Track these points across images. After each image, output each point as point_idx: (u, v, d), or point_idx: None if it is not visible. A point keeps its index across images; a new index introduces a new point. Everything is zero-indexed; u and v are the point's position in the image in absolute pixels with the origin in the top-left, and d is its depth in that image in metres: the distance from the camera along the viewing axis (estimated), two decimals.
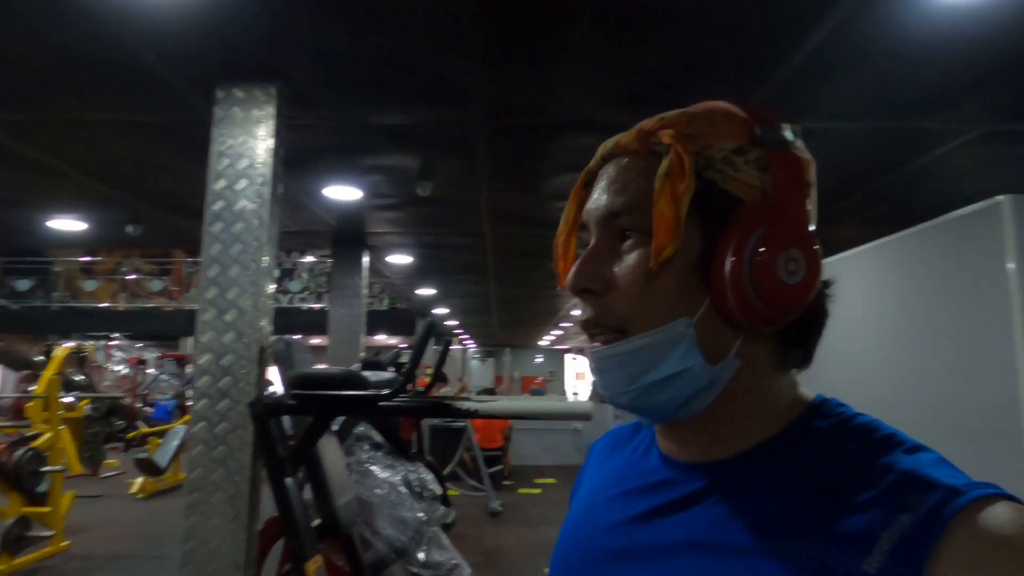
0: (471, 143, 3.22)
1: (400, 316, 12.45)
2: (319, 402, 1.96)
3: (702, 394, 0.51)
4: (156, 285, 14.92)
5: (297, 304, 14.04)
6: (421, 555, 3.13)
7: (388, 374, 2.74)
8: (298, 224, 4.90)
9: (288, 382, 2.01)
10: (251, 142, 2.41)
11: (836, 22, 2.14)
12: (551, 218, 4.70)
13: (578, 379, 20.91)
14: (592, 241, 0.54)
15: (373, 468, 3.17)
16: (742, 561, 0.46)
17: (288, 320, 13.75)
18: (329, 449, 2.28)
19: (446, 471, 8.02)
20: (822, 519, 0.45)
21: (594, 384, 0.62)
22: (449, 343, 2.80)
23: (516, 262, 6.52)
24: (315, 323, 13.39)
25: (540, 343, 19.26)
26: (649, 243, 0.50)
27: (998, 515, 0.41)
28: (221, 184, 2.39)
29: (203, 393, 2.29)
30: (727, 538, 0.48)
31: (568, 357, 21.30)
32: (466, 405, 1.95)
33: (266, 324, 2.39)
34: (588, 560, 0.57)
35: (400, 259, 6.30)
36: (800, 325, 0.52)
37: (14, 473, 4.91)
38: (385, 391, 1.91)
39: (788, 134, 0.53)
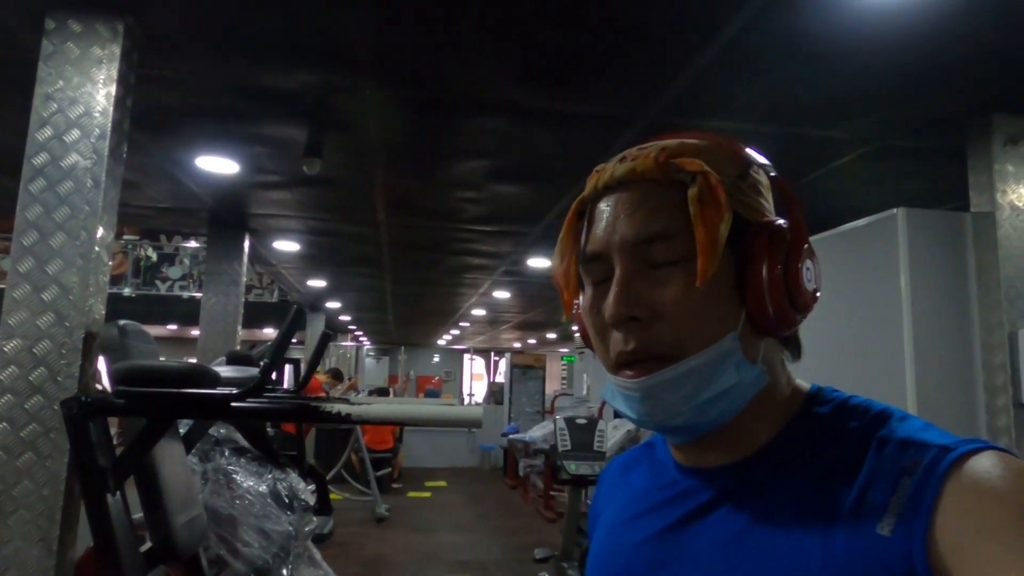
0: (363, 116, 2.91)
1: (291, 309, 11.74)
2: (153, 402, 1.61)
3: (745, 401, 0.54)
4: (8, 264, 13.32)
5: (177, 292, 12.98)
6: (285, 572, 2.79)
7: (254, 370, 2.39)
8: (168, 199, 4.36)
9: (115, 376, 1.64)
10: (88, 87, 2.00)
11: (749, 17, 2.04)
12: (450, 210, 4.44)
13: (475, 380, 20.73)
14: (619, 270, 0.54)
15: (235, 476, 2.79)
16: (777, 552, 0.49)
17: (166, 309, 12.67)
18: (169, 456, 1.91)
19: (330, 475, 7.56)
20: (838, 497, 0.49)
21: (616, 409, 0.59)
22: (328, 336, 2.49)
23: (413, 256, 6.21)
24: (195, 313, 12.48)
25: (438, 342, 18.90)
26: (689, 268, 0.52)
27: (982, 464, 0.45)
28: (46, 133, 1.96)
29: (7, 387, 1.86)
30: (758, 534, 0.51)
31: (466, 357, 21.08)
32: (336, 408, 1.67)
33: (97, 306, 1.99)
34: None
35: (287, 246, 5.82)
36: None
37: None
38: (238, 390, 1.59)
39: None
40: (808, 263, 0.55)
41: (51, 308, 1.90)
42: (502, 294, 8.52)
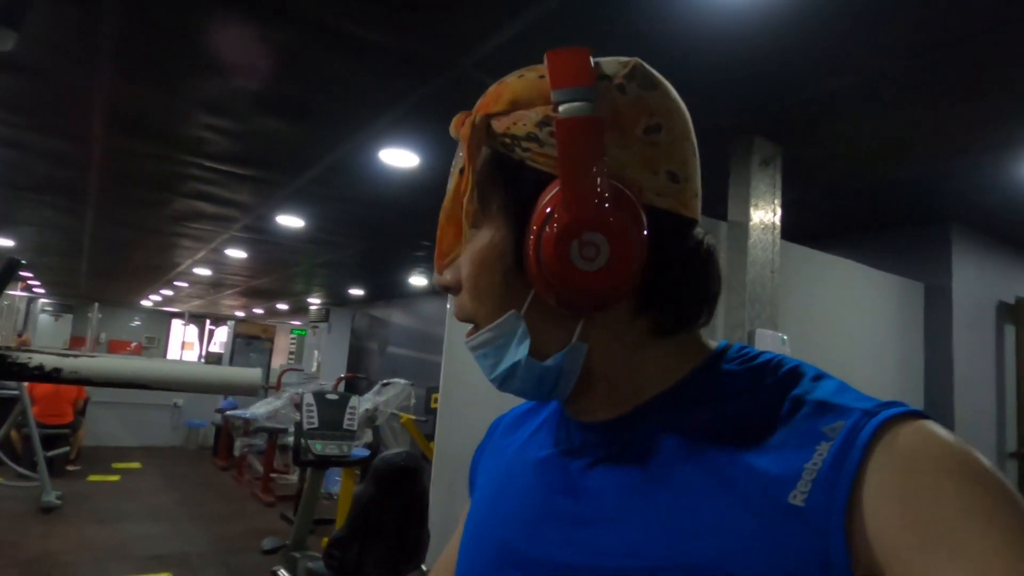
0: None
1: None
2: None
3: (557, 380, 0.50)
4: None
5: None
6: None
7: None
8: None
9: None
10: None
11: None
12: (194, 139, 3.69)
13: (185, 349, 18.42)
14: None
15: None
16: (672, 515, 0.45)
17: None
18: None
19: None
20: (742, 459, 0.44)
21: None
22: (16, 263, 1.80)
23: (132, 193, 5.11)
24: None
25: (142, 303, 16.30)
26: (479, 235, 0.50)
27: (911, 436, 0.41)
28: None
29: None
30: (652, 494, 0.46)
31: (176, 323, 18.60)
32: (37, 360, 1.13)
33: None
34: (513, 531, 0.54)
35: None
36: (658, 294, 0.50)
37: None
38: None
39: (603, 80, 0.48)
40: (588, 236, 0.45)
41: None
42: (236, 253, 7.56)
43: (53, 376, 1.14)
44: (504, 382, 0.50)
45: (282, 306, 14.42)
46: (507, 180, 0.49)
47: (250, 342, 10.86)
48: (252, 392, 1.27)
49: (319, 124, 3.33)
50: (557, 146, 0.46)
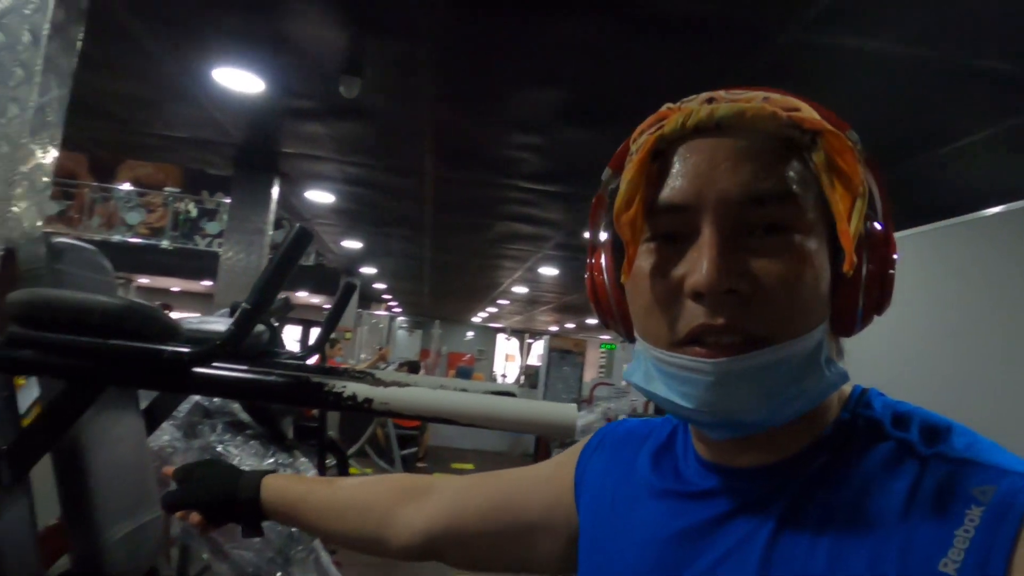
0: (413, 12, 2.27)
1: (327, 274, 11.23)
2: (68, 355, 1.03)
3: (820, 402, 0.47)
4: (51, 207, 13.20)
5: (215, 249, 12.76)
6: None
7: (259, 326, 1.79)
8: (186, 126, 3.80)
9: (9, 311, 1.06)
10: None
11: None
12: (507, 160, 3.79)
13: (508, 361, 20.22)
14: (712, 230, 0.45)
15: (227, 455, 2.24)
16: (814, 571, 0.43)
17: (202, 264, 12.42)
18: (113, 437, 1.33)
19: (351, 451, 7.08)
20: (888, 519, 0.42)
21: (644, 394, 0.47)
22: (351, 287, 1.89)
23: (457, 219, 5.58)
24: (149, 264, 12.18)
25: (473, 319, 18.33)
26: (799, 241, 0.45)
27: None
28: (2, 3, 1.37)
29: None
30: (791, 553, 0.44)
31: (500, 337, 20.56)
32: (350, 390, 1.06)
33: (28, 214, 1.40)
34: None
35: (321, 197, 5.25)
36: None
37: None
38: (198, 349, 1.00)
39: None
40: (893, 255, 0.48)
41: None
42: (549, 271, 7.87)
43: (364, 407, 1.05)
44: (781, 404, 0.45)
45: (591, 321, 14.83)
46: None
47: (564, 356, 11.27)
48: (566, 435, 1.05)
49: (625, 128, 3.12)
50: (875, 176, 0.48)
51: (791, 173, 0.45)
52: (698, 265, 0.44)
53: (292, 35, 2.52)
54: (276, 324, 2.18)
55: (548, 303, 12.06)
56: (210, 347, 1.02)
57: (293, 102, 3.23)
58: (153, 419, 1.61)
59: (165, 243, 12.39)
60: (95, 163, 13.32)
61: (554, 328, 17.92)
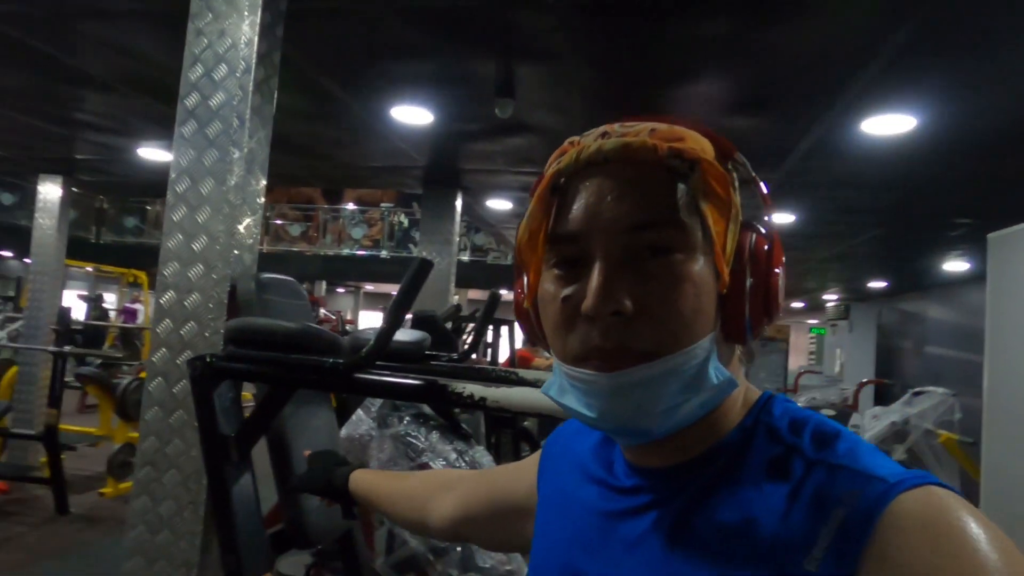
0: (550, 35, 2.45)
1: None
2: (267, 367, 1.38)
3: (712, 408, 0.52)
4: (295, 230, 15.48)
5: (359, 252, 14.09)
6: (463, 556, 2.55)
7: (420, 333, 2.11)
8: (380, 157, 4.38)
9: (224, 335, 1.44)
10: (234, 17, 1.82)
11: None
12: None
13: None
14: (601, 258, 0.50)
15: (414, 445, 2.60)
16: (704, 563, 0.48)
17: (342, 267, 13.81)
18: (311, 426, 1.70)
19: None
20: (771, 518, 0.46)
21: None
22: (496, 296, 2.12)
23: None
24: (373, 272, 13.51)
25: None
26: (679, 262, 0.50)
27: (923, 506, 0.42)
28: (197, 72, 1.83)
29: (162, 342, 1.78)
30: (687, 549, 0.50)
31: None
32: (467, 390, 1.28)
33: (245, 256, 1.83)
34: (568, 551, 0.59)
35: (500, 204, 5.66)
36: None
37: (121, 400, 5.09)
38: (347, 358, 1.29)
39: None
40: (780, 271, 0.53)
41: (200, 259, 1.78)
42: None
43: (480, 404, 1.27)
44: (669, 412, 0.50)
45: (797, 304, 13.82)
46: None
47: (765, 344, 10.69)
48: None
49: (778, 113, 3.01)
50: (765, 200, 0.56)
51: (673, 200, 0.50)
52: (590, 290, 0.49)
53: (449, 72, 2.84)
54: (451, 327, 2.48)
55: None
56: (357, 358, 1.30)
57: (464, 126, 3.58)
58: (343, 414, 2.00)
59: (384, 253, 13.90)
60: (328, 188, 15.30)
61: None
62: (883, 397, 7.78)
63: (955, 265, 6.84)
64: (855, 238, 5.96)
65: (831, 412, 3.61)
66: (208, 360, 1.46)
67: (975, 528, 0.40)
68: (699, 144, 0.52)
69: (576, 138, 0.55)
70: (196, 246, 1.78)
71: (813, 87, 2.68)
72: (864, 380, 8.16)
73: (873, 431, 5.20)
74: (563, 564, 0.59)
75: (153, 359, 1.78)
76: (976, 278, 7.31)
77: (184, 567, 1.71)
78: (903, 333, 9.59)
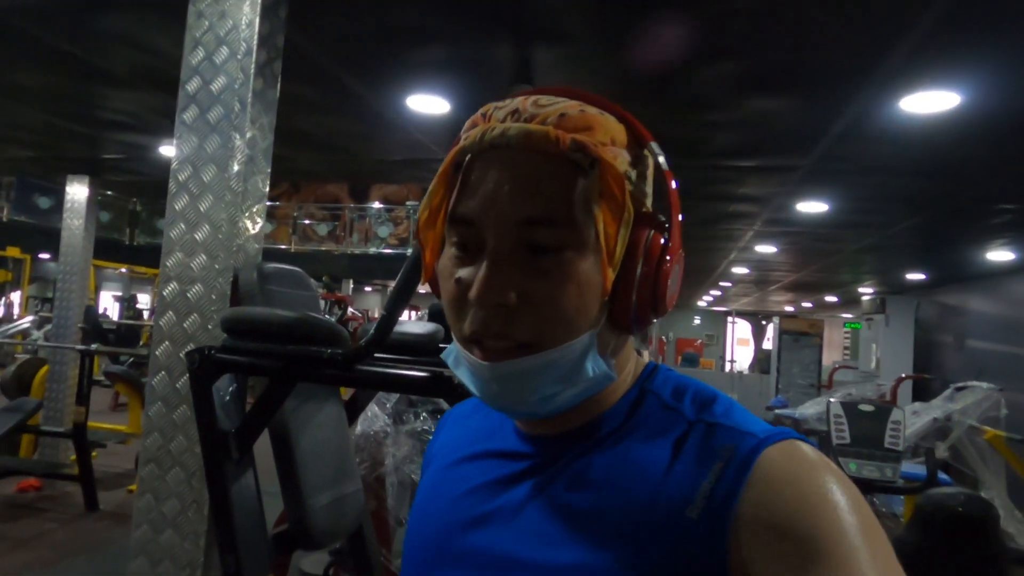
0: (565, 13, 2.35)
1: None
2: (268, 359, 1.31)
3: (589, 395, 0.54)
4: (322, 229, 15.61)
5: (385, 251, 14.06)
6: None
7: (432, 326, 2.03)
8: (398, 150, 4.31)
9: (221, 325, 1.37)
10: None
11: None
12: (692, 140, 3.68)
13: (740, 345, 19.19)
14: (490, 248, 0.50)
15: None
16: (591, 517, 0.50)
17: (368, 266, 13.74)
18: (317, 423, 1.63)
19: None
20: (657, 472, 0.50)
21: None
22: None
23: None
24: (399, 271, 13.34)
25: (698, 303, 17.73)
26: (569, 260, 0.50)
27: (788, 456, 0.47)
28: (198, 56, 1.77)
29: (165, 335, 1.73)
30: (576, 498, 0.52)
31: (729, 321, 19.58)
32: None
33: (249, 246, 1.77)
34: (446, 529, 0.58)
35: None
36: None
37: None
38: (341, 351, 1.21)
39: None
40: (678, 267, 0.54)
41: (202, 248, 1.72)
42: (766, 248, 7.35)
43: None
44: (547, 400, 0.52)
45: (831, 298, 13.46)
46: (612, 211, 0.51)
47: (798, 338, 10.40)
48: None
49: (812, 93, 2.86)
50: (671, 193, 0.54)
51: (569, 196, 0.49)
52: (478, 279, 0.49)
53: (465, 57, 2.75)
54: None
55: (776, 282, 11.23)
56: (358, 348, 1.23)
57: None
58: (354, 409, 1.93)
59: (409, 251, 13.91)
60: (354, 187, 15.38)
61: (789, 308, 16.59)
62: (922, 393, 7.50)
63: (999, 255, 6.54)
64: (891, 228, 5.72)
65: (869, 408, 3.45)
66: (207, 352, 1.40)
67: (829, 475, 0.46)
68: (609, 133, 0.52)
69: (490, 107, 0.54)
70: (199, 235, 1.72)
71: (846, 61, 2.52)
72: (903, 375, 7.87)
73: (913, 427, 4.98)
74: (442, 543, 0.58)
75: (156, 353, 1.73)
76: (1022, 268, 7.00)
77: (188, 567, 1.65)
78: (943, 327, 9.25)
